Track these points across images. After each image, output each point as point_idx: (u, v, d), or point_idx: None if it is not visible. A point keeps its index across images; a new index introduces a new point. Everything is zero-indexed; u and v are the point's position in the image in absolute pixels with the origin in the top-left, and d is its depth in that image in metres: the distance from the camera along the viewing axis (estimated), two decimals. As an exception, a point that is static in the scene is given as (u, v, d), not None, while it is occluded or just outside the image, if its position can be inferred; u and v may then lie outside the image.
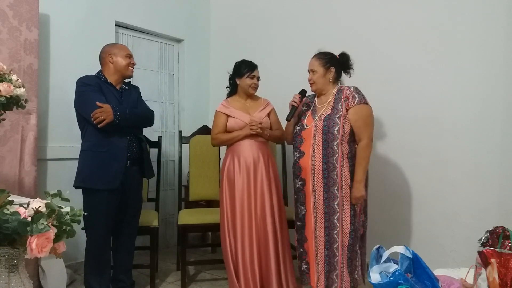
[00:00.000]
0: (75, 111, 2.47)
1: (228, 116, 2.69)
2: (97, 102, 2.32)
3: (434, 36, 2.73)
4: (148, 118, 2.61)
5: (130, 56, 2.55)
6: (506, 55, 2.43)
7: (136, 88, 2.69)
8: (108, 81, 2.49)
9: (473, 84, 2.56)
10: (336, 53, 2.42)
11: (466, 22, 2.59)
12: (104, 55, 2.51)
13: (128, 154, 2.47)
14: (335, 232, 2.26)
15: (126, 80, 2.62)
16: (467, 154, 2.59)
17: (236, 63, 2.76)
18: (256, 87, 2.73)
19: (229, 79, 2.79)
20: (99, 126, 2.31)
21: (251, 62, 2.72)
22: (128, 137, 2.47)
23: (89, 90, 2.39)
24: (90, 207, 2.38)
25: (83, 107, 2.40)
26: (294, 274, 2.64)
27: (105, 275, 2.50)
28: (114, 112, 2.33)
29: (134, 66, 2.59)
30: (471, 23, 2.57)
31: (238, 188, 2.59)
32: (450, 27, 2.66)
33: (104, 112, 2.31)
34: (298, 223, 2.42)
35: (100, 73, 2.53)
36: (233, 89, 2.79)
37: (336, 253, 2.27)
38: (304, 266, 2.40)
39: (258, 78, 2.72)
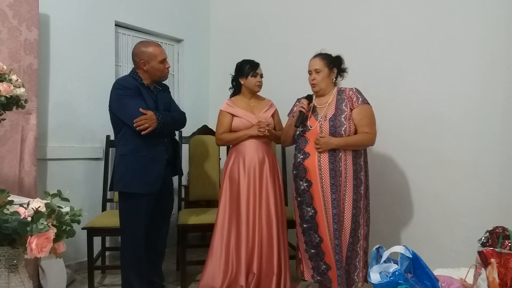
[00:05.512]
0: (109, 112, 2.45)
1: (233, 115, 2.68)
2: (140, 109, 2.30)
3: (434, 35, 2.73)
4: (183, 122, 2.63)
5: (164, 60, 2.46)
6: (506, 55, 2.43)
7: (167, 88, 2.67)
8: (144, 83, 2.47)
9: (473, 84, 2.56)
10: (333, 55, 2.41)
11: (466, 22, 2.59)
12: (137, 60, 2.44)
13: (166, 156, 2.49)
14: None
15: None
16: (467, 154, 2.59)
17: (238, 63, 2.75)
18: (261, 85, 2.72)
19: (232, 80, 2.78)
20: (142, 133, 2.29)
21: (253, 61, 2.71)
22: (166, 140, 2.50)
23: (128, 94, 2.37)
24: (129, 211, 2.41)
25: (122, 111, 2.37)
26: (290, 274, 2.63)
27: (144, 272, 2.50)
28: (158, 120, 2.33)
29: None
30: (471, 23, 2.57)
31: (243, 188, 2.59)
32: (450, 27, 2.66)
33: (148, 120, 2.30)
34: (305, 225, 2.36)
35: (135, 73, 2.47)
36: (237, 89, 2.78)
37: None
38: (323, 267, 2.33)
39: (261, 76, 2.72)
